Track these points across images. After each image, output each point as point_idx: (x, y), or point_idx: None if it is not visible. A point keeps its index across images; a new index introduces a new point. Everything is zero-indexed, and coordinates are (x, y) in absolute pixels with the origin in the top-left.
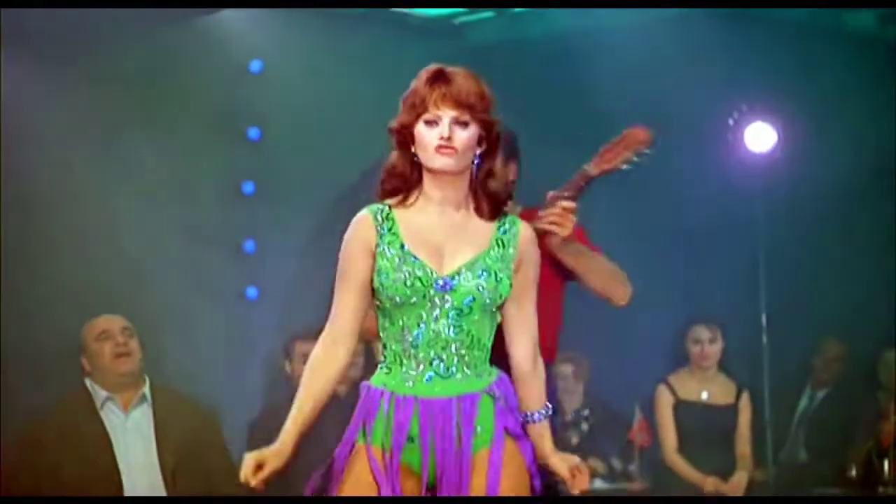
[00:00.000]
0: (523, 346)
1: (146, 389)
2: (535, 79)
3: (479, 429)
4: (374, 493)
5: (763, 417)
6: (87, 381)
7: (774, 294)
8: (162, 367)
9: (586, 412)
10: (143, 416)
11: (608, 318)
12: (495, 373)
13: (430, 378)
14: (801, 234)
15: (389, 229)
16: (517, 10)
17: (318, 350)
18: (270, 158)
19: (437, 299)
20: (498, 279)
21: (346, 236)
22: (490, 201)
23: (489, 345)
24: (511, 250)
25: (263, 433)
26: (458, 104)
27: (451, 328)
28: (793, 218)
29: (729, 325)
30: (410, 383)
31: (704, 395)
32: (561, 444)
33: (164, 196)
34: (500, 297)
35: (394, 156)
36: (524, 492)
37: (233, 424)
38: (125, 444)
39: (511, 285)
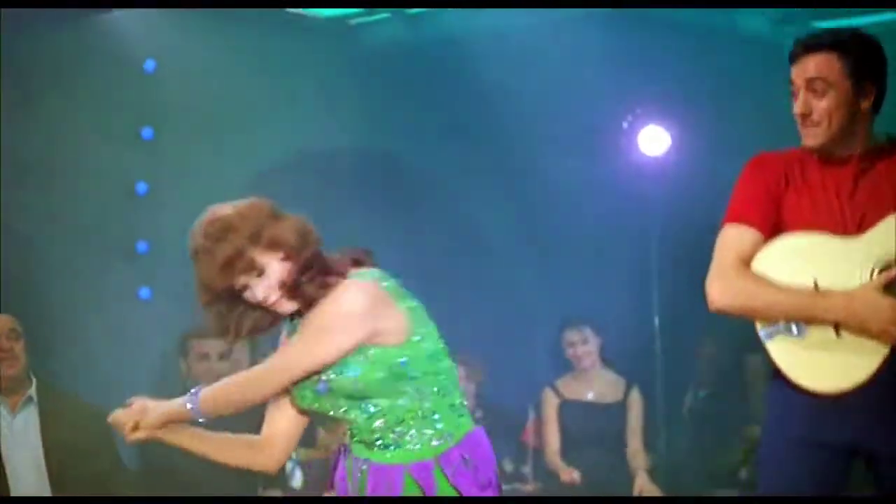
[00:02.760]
0: None
1: (32, 391)
2: (428, 80)
3: None
4: None
5: (655, 419)
6: None
7: (667, 297)
8: (52, 367)
9: (478, 414)
10: (29, 418)
11: (502, 320)
12: None
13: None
14: (694, 237)
15: None
16: (412, 11)
17: None
18: (163, 159)
19: None
20: None
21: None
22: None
23: None
24: None
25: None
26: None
27: None
28: (686, 221)
29: (621, 327)
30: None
31: (590, 396)
32: None
33: (56, 195)
34: None
35: None
36: None
37: None
38: (12, 446)
39: None
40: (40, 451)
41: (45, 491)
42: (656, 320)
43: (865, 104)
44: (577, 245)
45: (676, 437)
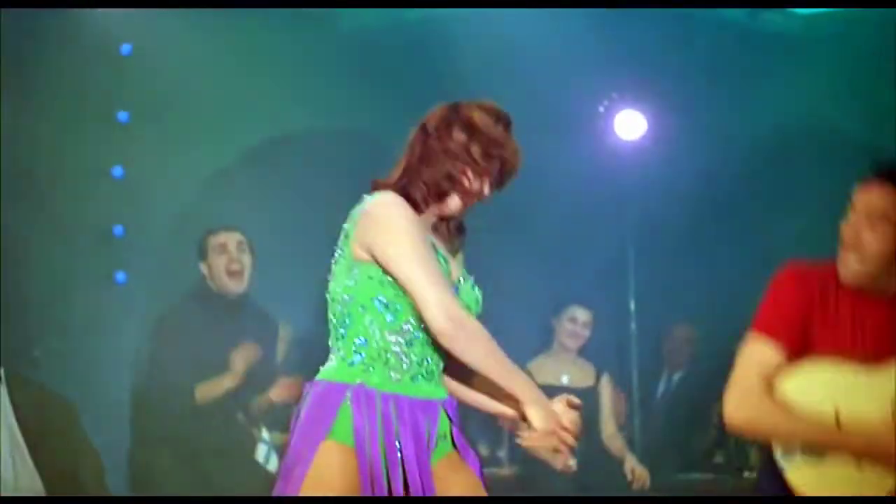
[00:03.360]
0: None
1: (1, 373)
2: (405, 64)
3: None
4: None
5: (630, 403)
6: None
7: (642, 280)
8: (27, 352)
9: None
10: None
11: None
12: None
13: (417, 379)
14: (670, 221)
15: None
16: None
17: (467, 320)
18: (140, 142)
19: None
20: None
21: (408, 213)
22: (459, 233)
23: None
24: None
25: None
26: (510, 174)
27: None
28: (661, 205)
29: (597, 310)
30: (398, 378)
31: (565, 379)
32: None
33: (31, 179)
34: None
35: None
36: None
37: (97, 409)
38: None
39: None
40: (13, 422)
41: (24, 459)
42: (632, 304)
43: None
44: (552, 228)
45: (651, 420)
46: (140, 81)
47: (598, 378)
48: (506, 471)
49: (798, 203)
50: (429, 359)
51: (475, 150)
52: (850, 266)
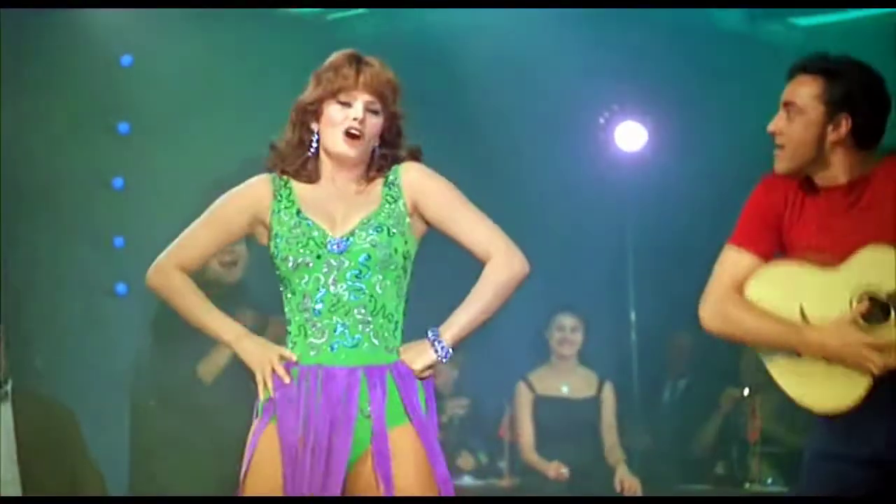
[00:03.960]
0: (485, 243)
1: (8, 388)
2: (405, 75)
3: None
4: (278, 471)
5: (633, 412)
6: None
7: (643, 291)
8: (28, 364)
9: (458, 401)
10: (5, 413)
11: None
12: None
13: (336, 347)
14: (670, 232)
15: (287, 196)
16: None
17: (169, 270)
18: (140, 153)
19: (333, 261)
20: (391, 234)
21: (237, 189)
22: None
23: (398, 317)
24: (400, 203)
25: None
26: (375, 91)
27: (352, 292)
28: (662, 216)
29: (598, 321)
30: (314, 353)
31: (565, 389)
32: None
33: (32, 190)
34: (396, 251)
35: (292, 131)
36: (425, 481)
37: (97, 419)
38: None
39: (406, 241)
40: (12, 439)
41: (16, 479)
42: (632, 314)
43: (834, 136)
44: (553, 239)
45: (656, 429)
46: (140, 92)
47: (600, 387)
48: (505, 482)
49: None
50: (341, 326)
51: (313, 99)
52: (778, 158)
